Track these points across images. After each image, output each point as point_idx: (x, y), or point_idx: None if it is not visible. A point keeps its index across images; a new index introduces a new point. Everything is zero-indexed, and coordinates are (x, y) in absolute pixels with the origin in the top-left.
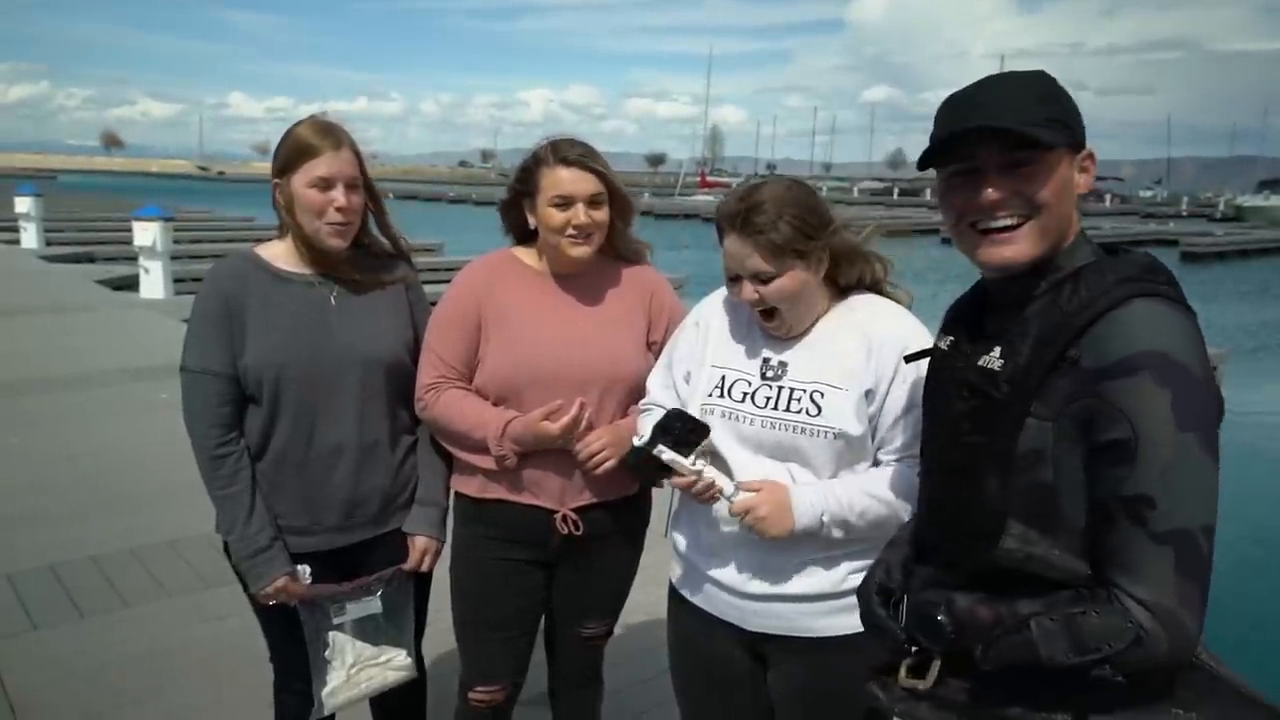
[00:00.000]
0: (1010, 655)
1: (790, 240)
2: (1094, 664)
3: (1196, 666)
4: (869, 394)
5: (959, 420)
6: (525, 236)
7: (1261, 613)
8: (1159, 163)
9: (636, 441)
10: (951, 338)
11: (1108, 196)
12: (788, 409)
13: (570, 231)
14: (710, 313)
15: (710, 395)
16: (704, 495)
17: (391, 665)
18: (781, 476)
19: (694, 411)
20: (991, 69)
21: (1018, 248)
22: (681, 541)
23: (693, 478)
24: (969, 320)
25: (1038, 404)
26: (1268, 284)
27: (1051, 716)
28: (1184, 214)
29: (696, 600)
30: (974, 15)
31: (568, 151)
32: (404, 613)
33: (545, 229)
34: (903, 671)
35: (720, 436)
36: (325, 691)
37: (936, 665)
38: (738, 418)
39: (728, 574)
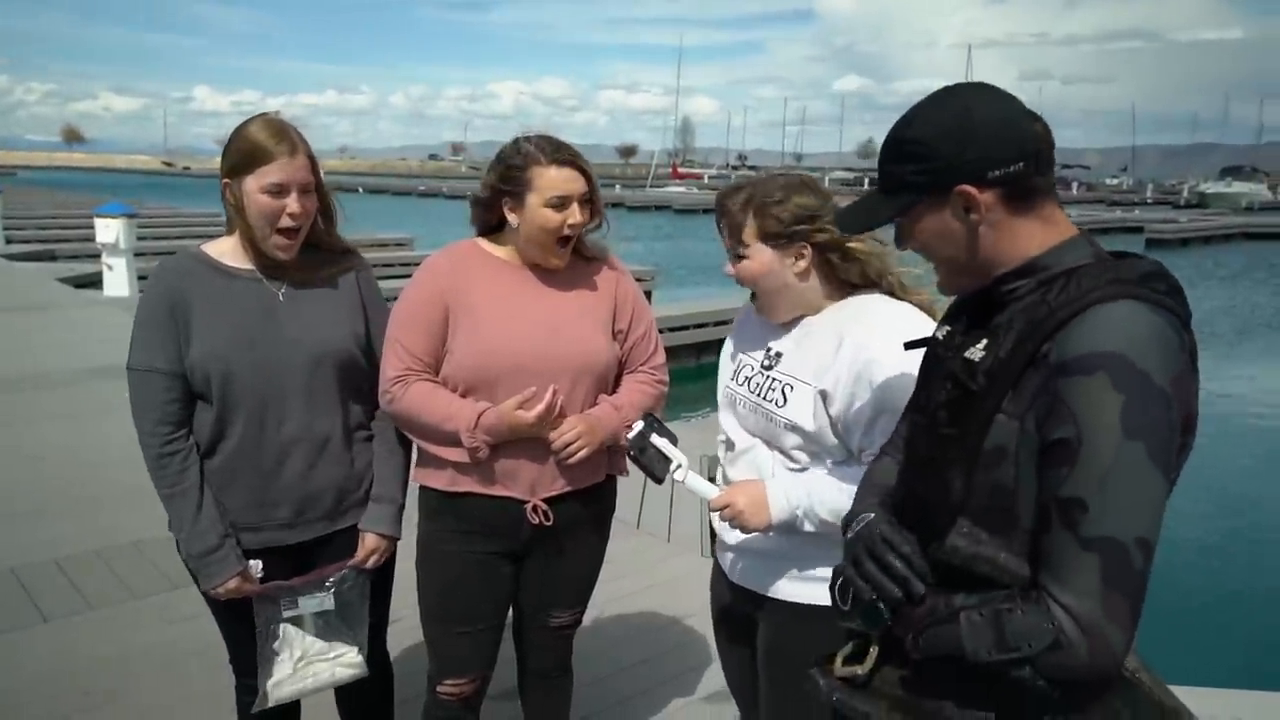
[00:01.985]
0: (937, 646)
1: (755, 226)
2: (1015, 663)
3: (1131, 683)
4: (823, 394)
5: (938, 411)
6: (489, 231)
7: (1234, 585)
8: (1123, 150)
9: (630, 434)
10: (949, 328)
11: (1074, 184)
12: (764, 397)
13: (566, 232)
14: (743, 309)
15: (729, 380)
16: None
17: (341, 662)
18: (768, 460)
19: (719, 394)
20: (959, 58)
21: (939, 285)
22: None
23: (679, 464)
24: (970, 311)
25: (1010, 400)
26: (1231, 269)
27: (976, 714)
28: (1149, 201)
29: (720, 558)
30: (941, 5)
31: (561, 151)
32: (358, 610)
33: (537, 230)
34: (839, 660)
35: (724, 415)
36: (270, 683)
37: (874, 653)
38: (737, 400)
39: (721, 526)
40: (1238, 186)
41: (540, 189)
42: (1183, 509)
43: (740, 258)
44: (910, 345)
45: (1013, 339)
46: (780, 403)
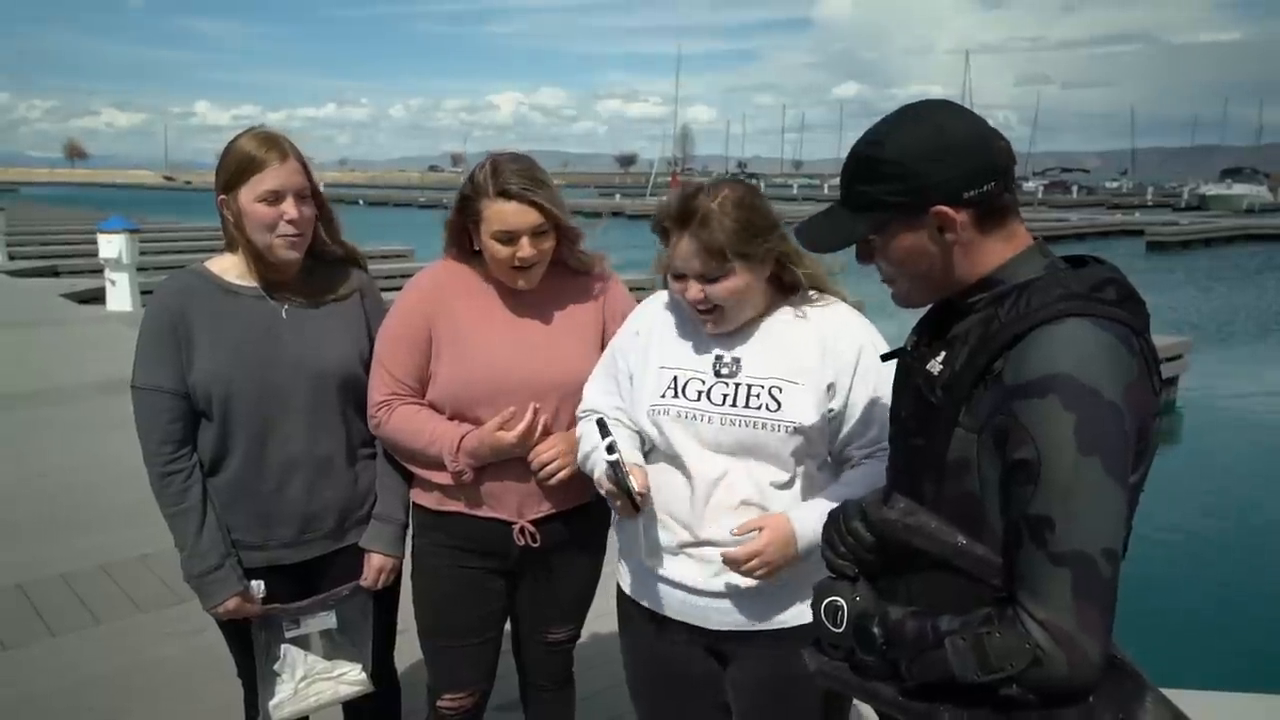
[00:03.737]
0: (929, 673)
1: (735, 242)
2: (1001, 683)
3: (1125, 673)
4: (830, 388)
5: (907, 421)
6: (472, 250)
7: (1234, 586)
8: (1123, 153)
9: (610, 457)
10: (915, 338)
11: (1074, 188)
12: (746, 405)
13: (516, 263)
14: (651, 318)
15: (663, 396)
16: (627, 506)
17: (345, 680)
18: (740, 473)
19: (642, 414)
20: (957, 63)
21: (898, 298)
22: (631, 546)
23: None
24: (934, 321)
25: (966, 414)
26: (1246, 269)
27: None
28: (1149, 204)
29: (651, 605)
30: (938, 11)
31: (508, 183)
32: (361, 628)
33: (491, 259)
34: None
35: (678, 438)
36: (272, 704)
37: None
38: (695, 417)
39: (685, 573)
40: (1238, 188)
41: (488, 220)
42: (1195, 509)
43: (716, 278)
44: (886, 357)
45: (966, 353)
46: (774, 406)
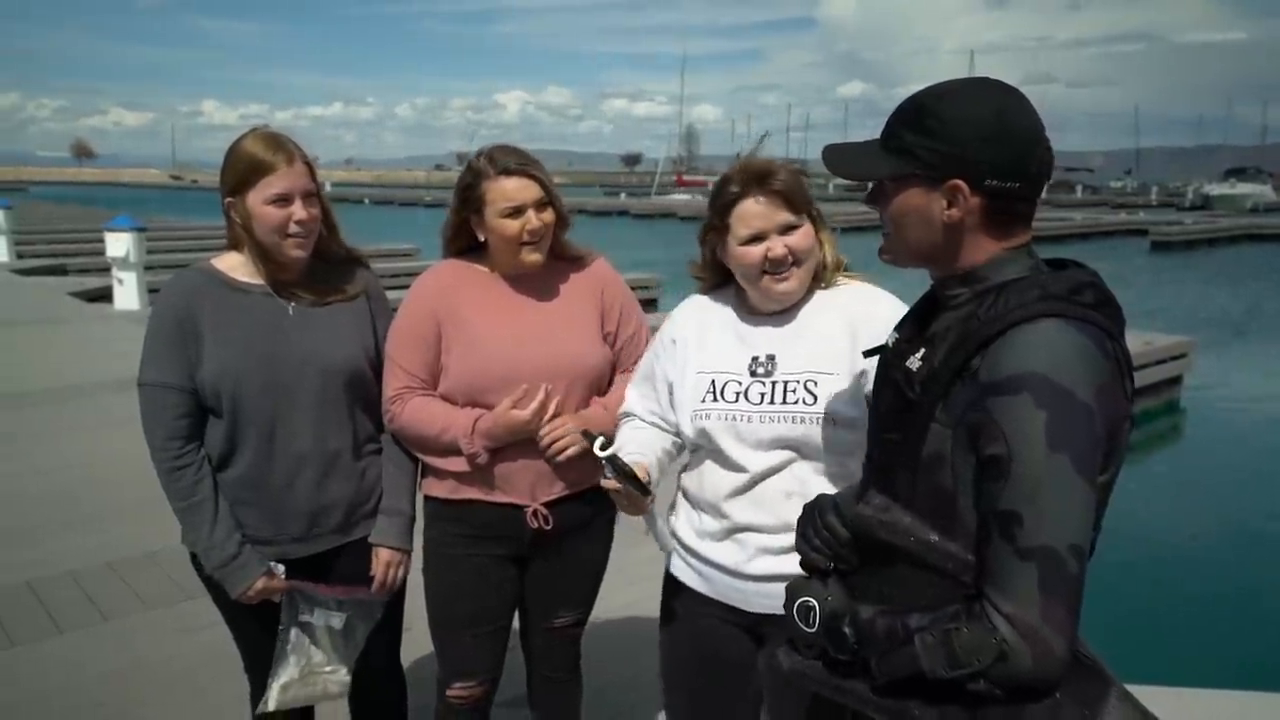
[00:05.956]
0: (898, 670)
1: (802, 192)
2: (968, 678)
3: (1090, 670)
4: (864, 375)
5: (885, 416)
6: (468, 251)
7: (1233, 585)
8: (1128, 153)
9: (604, 453)
10: (897, 334)
11: (1078, 187)
12: (784, 401)
13: (526, 238)
14: (685, 324)
15: (703, 401)
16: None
17: (333, 679)
18: (785, 468)
19: (684, 419)
20: (961, 64)
21: (883, 251)
22: (681, 528)
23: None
24: (916, 318)
25: (942, 410)
26: (1238, 271)
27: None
28: (1153, 203)
29: (696, 585)
30: (943, 10)
31: (506, 161)
32: (359, 636)
33: (500, 240)
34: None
35: (723, 439)
36: (280, 684)
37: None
38: (735, 417)
39: (729, 556)
40: (1242, 188)
41: (493, 201)
42: (1195, 507)
43: (793, 228)
44: (868, 353)
45: (944, 350)
46: (810, 400)
